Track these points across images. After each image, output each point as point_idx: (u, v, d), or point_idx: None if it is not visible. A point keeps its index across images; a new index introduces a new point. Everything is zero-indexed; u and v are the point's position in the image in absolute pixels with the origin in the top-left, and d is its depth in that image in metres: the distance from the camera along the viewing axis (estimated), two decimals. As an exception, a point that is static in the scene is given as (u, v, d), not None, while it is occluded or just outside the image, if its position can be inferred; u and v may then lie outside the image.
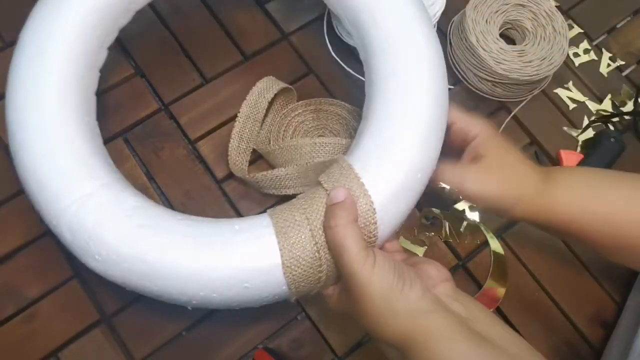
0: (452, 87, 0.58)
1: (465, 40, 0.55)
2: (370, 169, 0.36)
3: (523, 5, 0.57)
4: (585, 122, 0.59)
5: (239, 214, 0.51)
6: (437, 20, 0.56)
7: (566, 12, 0.64)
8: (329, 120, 0.52)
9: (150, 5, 0.57)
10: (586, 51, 0.62)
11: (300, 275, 0.35)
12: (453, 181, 0.39)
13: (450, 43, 0.59)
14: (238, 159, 0.50)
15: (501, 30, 0.58)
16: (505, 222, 0.53)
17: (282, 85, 0.51)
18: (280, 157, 0.49)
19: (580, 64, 0.62)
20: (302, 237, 0.34)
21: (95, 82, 0.45)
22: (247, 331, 0.47)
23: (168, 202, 0.50)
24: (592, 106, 0.60)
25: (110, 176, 0.38)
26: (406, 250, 0.51)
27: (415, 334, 0.31)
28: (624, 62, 0.62)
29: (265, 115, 0.52)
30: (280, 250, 0.34)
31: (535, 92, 0.59)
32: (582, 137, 0.58)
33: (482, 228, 0.52)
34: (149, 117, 0.53)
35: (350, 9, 0.44)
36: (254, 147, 0.51)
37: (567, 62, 0.61)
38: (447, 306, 0.33)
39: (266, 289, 0.35)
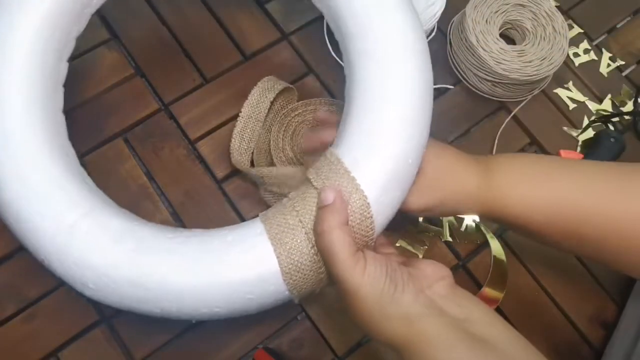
0: (452, 87, 0.58)
1: (465, 40, 0.55)
2: (359, 160, 0.35)
3: (523, 5, 0.57)
4: (585, 122, 0.59)
5: (239, 214, 0.51)
6: (437, 20, 0.56)
7: (566, 12, 0.64)
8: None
9: (150, 5, 0.57)
10: (586, 51, 0.62)
11: (300, 280, 0.34)
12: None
13: (450, 43, 0.59)
14: (240, 159, 0.50)
15: (501, 30, 0.58)
16: (505, 222, 0.53)
17: (284, 84, 0.51)
18: (273, 181, 0.49)
19: (580, 64, 0.62)
20: (298, 241, 0.34)
21: (60, 99, 0.42)
22: (247, 331, 0.47)
23: (168, 202, 0.50)
24: (592, 106, 0.60)
25: (91, 201, 0.37)
26: (405, 252, 0.51)
27: (410, 339, 0.31)
28: (624, 62, 0.62)
29: (266, 115, 0.52)
30: (278, 257, 0.33)
31: (535, 92, 0.59)
32: (582, 137, 0.58)
33: (482, 228, 0.52)
34: (149, 117, 0.53)
35: None
36: (246, 166, 0.50)
37: (567, 62, 0.61)
38: (442, 308, 0.32)
39: (269, 297, 0.35)
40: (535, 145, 0.57)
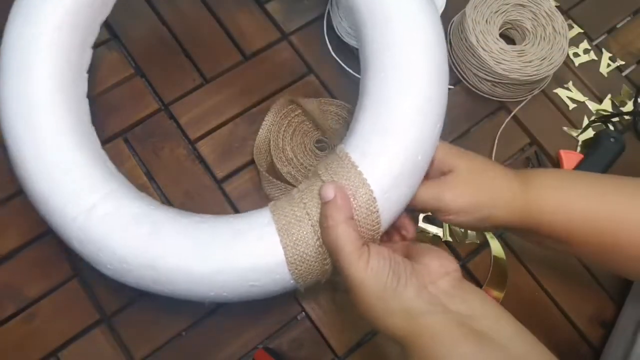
0: (452, 87, 0.58)
1: (465, 40, 0.55)
2: (368, 155, 0.36)
3: (523, 5, 0.57)
4: (585, 122, 0.59)
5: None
6: (437, 20, 0.56)
7: (566, 12, 0.64)
8: (329, 120, 0.52)
9: (150, 5, 0.57)
10: (586, 51, 0.62)
11: (305, 271, 0.35)
12: (427, 199, 0.38)
13: (450, 43, 0.59)
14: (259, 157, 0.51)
15: (501, 30, 0.58)
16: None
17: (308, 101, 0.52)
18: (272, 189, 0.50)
19: (580, 64, 0.62)
20: (304, 233, 0.35)
21: (84, 85, 0.44)
22: (247, 331, 0.47)
23: (168, 202, 0.50)
24: (592, 106, 0.60)
25: (111, 184, 0.38)
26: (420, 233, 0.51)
27: (412, 335, 0.31)
28: (623, 62, 0.62)
29: (265, 115, 0.52)
30: (284, 248, 0.34)
31: (535, 92, 0.59)
32: (582, 137, 0.58)
33: (482, 228, 0.52)
34: (149, 117, 0.53)
35: None
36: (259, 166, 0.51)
37: (567, 62, 0.61)
38: (445, 305, 0.32)
39: (273, 286, 0.36)
40: (535, 145, 0.57)
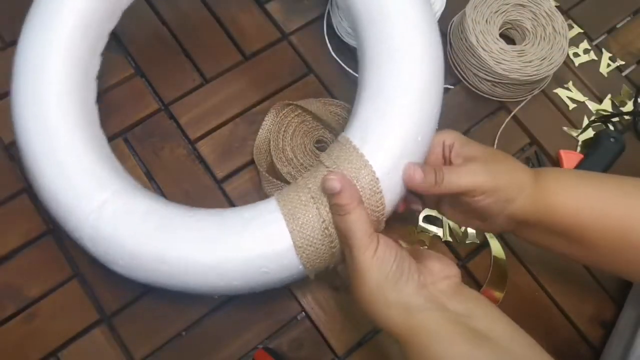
0: (452, 87, 0.58)
1: (465, 40, 0.55)
2: (369, 138, 0.37)
3: (523, 5, 0.57)
4: (585, 122, 0.59)
5: (239, 214, 0.51)
6: (437, 20, 0.56)
7: (566, 12, 0.64)
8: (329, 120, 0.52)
9: (150, 5, 0.57)
10: (586, 51, 0.62)
11: (313, 254, 0.36)
12: (459, 180, 0.36)
13: (450, 43, 0.59)
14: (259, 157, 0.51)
15: (501, 30, 0.58)
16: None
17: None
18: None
19: (580, 64, 0.62)
20: (310, 216, 0.35)
21: (94, 91, 0.45)
22: (247, 331, 0.47)
23: (168, 202, 0.50)
24: (592, 106, 0.60)
25: (120, 181, 0.39)
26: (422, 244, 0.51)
27: (409, 331, 0.31)
28: (623, 62, 0.62)
29: (265, 116, 0.52)
30: (291, 232, 0.35)
31: (535, 92, 0.59)
32: (582, 137, 0.58)
33: (482, 228, 0.52)
34: (149, 117, 0.53)
35: None
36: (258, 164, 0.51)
37: (567, 62, 0.61)
38: (443, 304, 0.32)
39: (284, 271, 0.36)
40: (535, 145, 0.57)
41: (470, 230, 0.52)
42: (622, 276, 0.41)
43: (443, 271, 0.34)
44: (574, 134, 0.58)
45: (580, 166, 0.55)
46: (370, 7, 0.41)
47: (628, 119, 0.59)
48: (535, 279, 0.51)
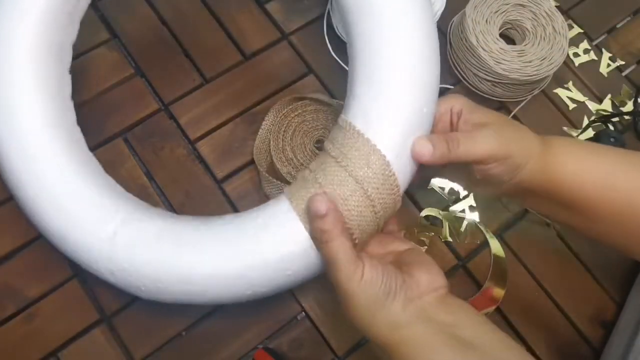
0: (452, 87, 0.58)
1: (465, 40, 0.55)
2: (371, 119, 0.35)
3: (523, 5, 0.57)
4: (585, 122, 0.59)
5: (239, 214, 0.51)
6: (437, 20, 0.56)
7: (566, 12, 0.64)
8: (329, 120, 0.52)
9: (150, 5, 0.57)
10: (586, 51, 0.62)
11: None
12: (473, 147, 0.35)
13: (450, 43, 0.59)
14: (259, 156, 0.51)
15: (501, 30, 0.58)
16: (505, 222, 0.53)
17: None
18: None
19: (580, 64, 0.61)
20: None
21: (72, 111, 0.43)
22: (247, 331, 0.47)
23: (168, 202, 0.50)
24: (592, 106, 0.60)
25: (124, 208, 0.38)
26: (411, 237, 0.51)
27: (395, 344, 0.32)
28: (623, 62, 0.62)
29: (265, 115, 0.52)
30: (309, 231, 0.35)
31: (535, 92, 0.59)
32: (582, 137, 0.58)
33: (482, 228, 0.52)
34: (149, 117, 0.53)
35: None
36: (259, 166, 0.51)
37: (567, 62, 0.61)
38: (429, 317, 0.32)
39: (308, 270, 0.36)
40: (535, 145, 0.57)
41: (470, 226, 0.52)
42: (625, 252, 0.40)
43: (431, 284, 0.33)
44: (574, 134, 0.58)
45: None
46: None
47: (628, 119, 0.59)
48: (535, 279, 0.51)
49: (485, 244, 0.52)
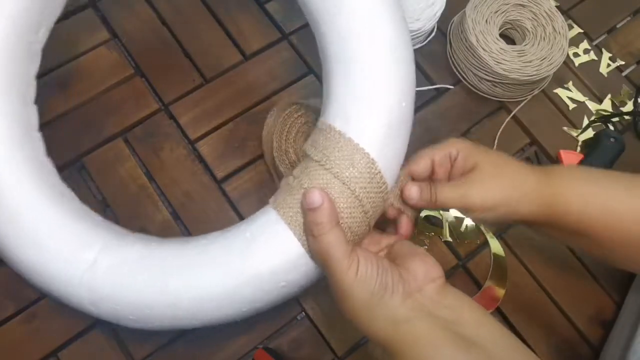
0: (452, 87, 0.58)
1: (465, 40, 0.55)
2: (351, 120, 0.34)
3: (523, 5, 0.57)
4: (585, 122, 0.59)
5: (238, 214, 0.51)
6: (437, 20, 0.56)
7: (566, 12, 0.64)
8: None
9: (150, 5, 0.57)
10: (586, 51, 0.62)
11: None
12: (455, 199, 0.37)
13: (450, 43, 0.59)
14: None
15: (501, 30, 0.58)
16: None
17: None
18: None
19: (580, 64, 0.61)
20: None
21: (40, 141, 0.41)
22: (247, 331, 0.47)
23: (168, 202, 0.50)
24: (592, 106, 0.60)
25: (103, 234, 0.36)
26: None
27: (395, 340, 0.31)
28: (623, 62, 0.62)
29: (267, 116, 0.52)
30: (299, 240, 0.34)
31: (535, 92, 0.59)
32: (582, 137, 0.58)
33: (482, 228, 0.52)
34: (149, 117, 0.53)
35: None
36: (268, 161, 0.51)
37: (567, 62, 0.61)
38: (431, 311, 0.32)
39: (302, 279, 0.35)
40: (535, 145, 0.57)
41: (470, 226, 0.52)
42: (635, 271, 0.41)
43: (427, 274, 0.33)
44: (574, 134, 0.58)
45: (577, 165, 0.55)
46: None
47: (628, 119, 0.59)
48: (535, 279, 0.51)
49: (485, 244, 0.52)
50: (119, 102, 0.53)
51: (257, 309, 0.36)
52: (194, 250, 0.35)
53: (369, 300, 0.32)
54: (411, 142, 0.39)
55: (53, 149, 0.49)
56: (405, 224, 0.39)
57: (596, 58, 0.62)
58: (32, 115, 0.41)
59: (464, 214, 0.39)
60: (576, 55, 0.62)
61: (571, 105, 0.59)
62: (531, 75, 0.54)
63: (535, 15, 0.57)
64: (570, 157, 0.56)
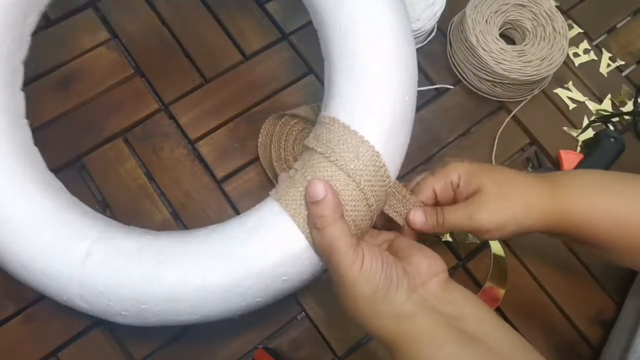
0: (452, 87, 0.58)
1: (465, 40, 0.55)
2: (355, 113, 0.34)
3: (523, 5, 0.57)
4: (585, 122, 0.59)
5: (238, 214, 0.50)
6: (437, 20, 0.56)
7: (566, 12, 0.64)
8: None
9: (150, 5, 0.57)
10: (586, 51, 0.62)
11: None
12: (463, 223, 0.37)
13: (450, 43, 0.59)
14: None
15: (501, 30, 0.58)
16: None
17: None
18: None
19: (580, 64, 0.61)
20: None
21: (27, 131, 0.39)
22: (247, 331, 0.47)
23: (168, 202, 0.50)
24: (592, 106, 0.60)
25: (97, 225, 0.35)
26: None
27: (399, 337, 0.31)
28: (623, 62, 0.62)
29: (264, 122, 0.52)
30: (303, 232, 0.33)
31: (535, 92, 0.59)
32: (582, 137, 0.58)
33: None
34: (149, 117, 0.53)
35: None
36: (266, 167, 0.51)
37: (567, 62, 0.61)
38: (434, 306, 0.32)
39: (305, 273, 0.34)
40: (535, 145, 0.57)
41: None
42: None
43: (431, 269, 0.33)
44: (574, 134, 0.58)
45: (580, 166, 0.55)
46: None
47: (628, 119, 0.59)
48: (535, 279, 0.51)
49: (485, 244, 0.52)
50: (119, 102, 0.53)
51: (256, 305, 0.35)
52: (193, 241, 0.34)
53: (373, 296, 0.31)
54: (411, 141, 0.39)
55: (53, 149, 0.49)
56: (409, 231, 0.39)
57: (596, 58, 0.62)
58: (20, 103, 0.39)
59: (473, 235, 0.39)
60: (576, 55, 0.62)
61: (571, 105, 0.59)
62: (531, 75, 0.54)
63: (535, 15, 0.57)
64: (570, 157, 0.56)
